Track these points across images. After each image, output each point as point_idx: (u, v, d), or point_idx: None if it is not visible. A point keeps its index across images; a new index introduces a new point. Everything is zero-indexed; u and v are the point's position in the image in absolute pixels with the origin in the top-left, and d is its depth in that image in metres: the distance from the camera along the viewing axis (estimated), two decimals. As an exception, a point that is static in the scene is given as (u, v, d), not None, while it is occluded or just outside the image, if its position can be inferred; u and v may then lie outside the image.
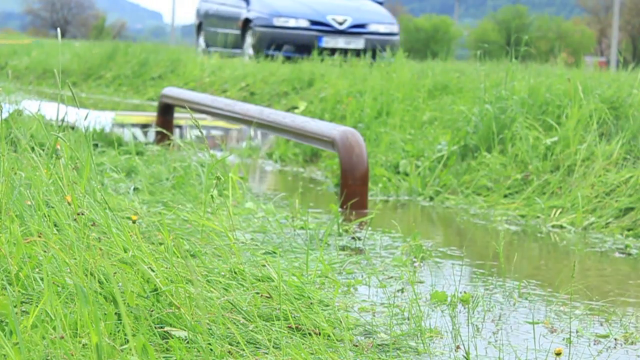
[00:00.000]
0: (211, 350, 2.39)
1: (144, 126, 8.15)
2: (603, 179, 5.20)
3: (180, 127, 8.22)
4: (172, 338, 2.40)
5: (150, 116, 8.27)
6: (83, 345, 2.21)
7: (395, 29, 13.43)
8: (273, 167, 7.56)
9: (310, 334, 2.65)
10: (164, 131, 6.61)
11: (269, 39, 12.83)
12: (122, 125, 7.81)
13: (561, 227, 5.00)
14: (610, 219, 4.93)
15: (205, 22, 14.86)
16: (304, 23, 12.95)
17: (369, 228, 4.61)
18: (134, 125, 8.04)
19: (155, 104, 9.04)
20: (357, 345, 2.68)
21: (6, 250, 2.45)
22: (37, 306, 2.25)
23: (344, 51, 12.59)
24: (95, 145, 6.22)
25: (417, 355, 2.70)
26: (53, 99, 8.73)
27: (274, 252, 3.73)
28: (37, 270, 2.52)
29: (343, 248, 4.12)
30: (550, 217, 5.12)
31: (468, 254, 4.28)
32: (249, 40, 13.20)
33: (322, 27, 12.92)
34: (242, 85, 10.61)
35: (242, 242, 3.76)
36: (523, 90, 6.27)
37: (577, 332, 3.04)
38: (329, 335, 2.67)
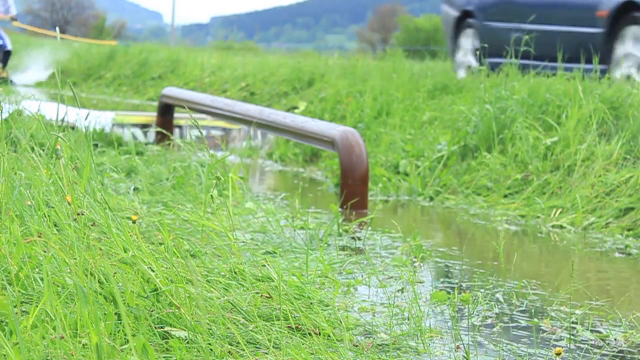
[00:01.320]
0: (211, 350, 2.39)
1: (144, 126, 8.14)
2: (603, 179, 5.20)
3: (180, 127, 8.22)
4: (172, 338, 2.40)
5: (150, 116, 8.27)
6: (83, 345, 2.21)
7: None
8: (273, 167, 7.55)
9: (310, 334, 2.65)
10: (164, 131, 6.61)
11: None
12: (122, 125, 7.81)
13: (561, 227, 4.99)
14: (610, 219, 4.93)
15: (479, 15, 8.86)
16: None
17: (369, 228, 4.61)
18: (134, 125, 8.04)
19: (155, 104, 9.05)
20: (357, 345, 2.68)
21: (6, 250, 2.45)
22: (37, 306, 2.25)
23: None
24: (95, 145, 6.22)
25: (417, 355, 2.70)
26: (53, 99, 8.73)
27: (274, 252, 3.73)
28: (37, 270, 2.52)
29: (343, 248, 4.12)
30: (550, 217, 5.12)
31: (468, 254, 4.27)
32: (631, 44, 7.26)
33: None
34: (242, 85, 10.62)
35: (242, 242, 3.76)
36: (523, 90, 6.27)
37: (577, 332, 3.04)
38: (329, 335, 2.67)
